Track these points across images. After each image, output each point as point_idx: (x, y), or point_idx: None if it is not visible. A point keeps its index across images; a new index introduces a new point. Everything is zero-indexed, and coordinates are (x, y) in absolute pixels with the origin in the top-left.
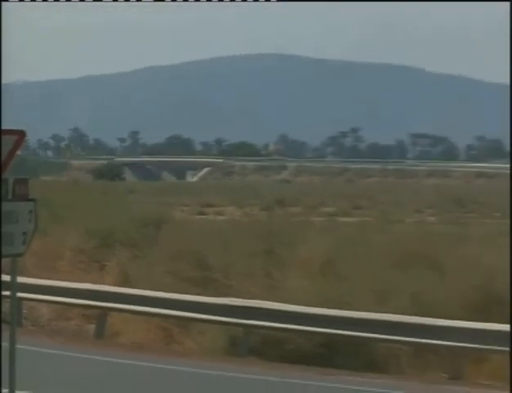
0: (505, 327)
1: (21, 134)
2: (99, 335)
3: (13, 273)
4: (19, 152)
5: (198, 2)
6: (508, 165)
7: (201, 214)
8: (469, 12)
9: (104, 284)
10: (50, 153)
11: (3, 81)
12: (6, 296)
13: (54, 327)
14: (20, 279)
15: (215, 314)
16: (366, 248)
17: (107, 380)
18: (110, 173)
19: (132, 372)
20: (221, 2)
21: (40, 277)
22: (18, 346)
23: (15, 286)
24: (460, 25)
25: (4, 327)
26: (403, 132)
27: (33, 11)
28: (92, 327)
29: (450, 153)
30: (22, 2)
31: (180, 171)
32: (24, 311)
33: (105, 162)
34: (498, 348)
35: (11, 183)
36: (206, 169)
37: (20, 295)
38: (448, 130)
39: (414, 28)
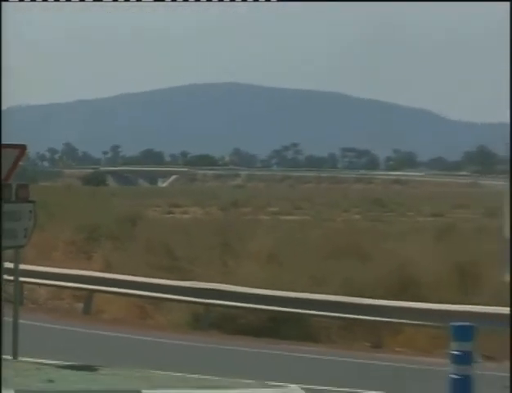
0: (416, 304)
1: (23, 148)
2: (86, 312)
3: (16, 261)
4: (21, 163)
5: (165, 37)
6: (418, 174)
7: (170, 213)
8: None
9: (91, 270)
10: (46, 163)
11: (9, 104)
12: (10, 280)
13: (49, 306)
14: (22, 266)
15: (181, 295)
16: (305, 241)
17: (93, 348)
18: (96, 180)
19: (113, 342)
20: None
21: (38, 265)
22: (20, 321)
23: (17, 272)
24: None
25: (8, 305)
26: (334, 146)
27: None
28: (80, 306)
29: (372, 163)
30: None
31: (152, 178)
32: (25, 292)
33: (91, 171)
34: (411, 322)
35: (14, 188)
36: (174, 177)
37: (21, 279)
38: (371, 144)
39: (342, 59)
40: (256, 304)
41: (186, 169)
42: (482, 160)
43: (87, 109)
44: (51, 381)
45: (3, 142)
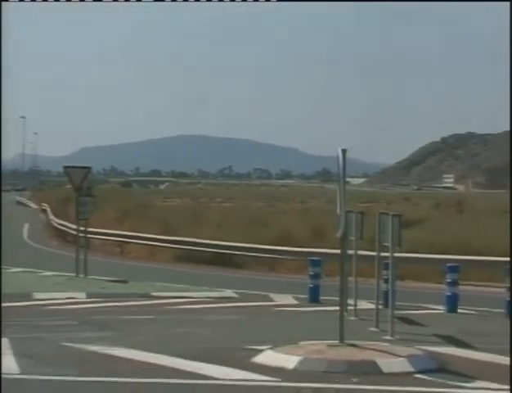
0: (293, 248)
1: (89, 168)
2: (122, 253)
3: (86, 226)
4: (89, 175)
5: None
6: (293, 181)
7: (164, 202)
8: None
9: (124, 231)
10: (101, 176)
11: (82, 146)
12: (83, 236)
13: (102, 249)
14: (89, 229)
15: (172, 244)
16: (234, 216)
17: (125, 272)
18: (127, 185)
19: (135, 268)
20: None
21: (97, 228)
22: (88, 258)
23: (86, 232)
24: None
25: (82, 250)
26: (250, 167)
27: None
28: (118, 250)
29: (269, 176)
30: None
31: (156, 184)
32: (91, 243)
33: (124, 180)
34: (289, 257)
35: (85, 189)
36: (167, 183)
37: (89, 236)
38: (267, 166)
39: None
40: (210, 248)
41: (173, 179)
42: (324, 174)
43: (123, 148)
44: (103, 288)
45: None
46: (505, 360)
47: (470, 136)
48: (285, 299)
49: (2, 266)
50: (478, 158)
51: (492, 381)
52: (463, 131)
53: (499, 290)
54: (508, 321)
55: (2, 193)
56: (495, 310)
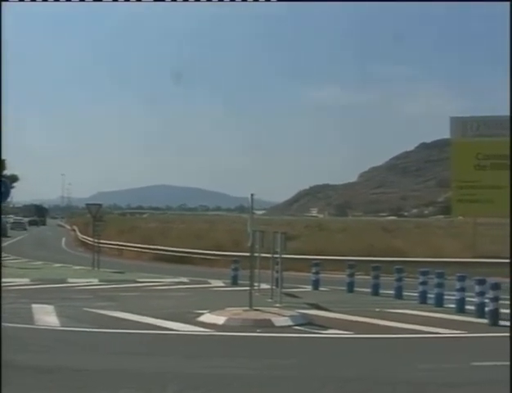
0: (226, 253)
1: (100, 205)
2: (120, 255)
3: (98, 239)
4: (100, 209)
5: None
6: (221, 213)
7: (146, 225)
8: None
9: (121, 241)
10: (108, 209)
11: (96, 191)
12: (97, 245)
13: (108, 253)
14: (100, 240)
15: (150, 250)
16: (188, 233)
17: (122, 266)
18: (123, 215)
19: (128, 265)
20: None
21: (104, 240)
22: (100, 258)
23: (98, 242)
24: None
25: (96, 253)
26: (197, 204)
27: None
28: (118, 253)
29: (218, 209)
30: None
31: (140, 214)
32: (101, 249)
33: (121, 212)
34: (223, 258)
35: (98, 217)
36: (147, 214)
37: (100, 245)
38: (215, 204)
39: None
40: (172, 252)
41: (151, 211)
42: (241, 208)
43: (121, 193)
44: (109, 276)
45: (104, 205)
46: (346, 317)
47: (326, 185)
48: (217, 283)
49: (49, 262)
50: (330, 198)
51: (339, 329)
52: (321, 182)
53: (342, 276)
54: (348, 294)
55: (51, 220)
56: (340, 288)
